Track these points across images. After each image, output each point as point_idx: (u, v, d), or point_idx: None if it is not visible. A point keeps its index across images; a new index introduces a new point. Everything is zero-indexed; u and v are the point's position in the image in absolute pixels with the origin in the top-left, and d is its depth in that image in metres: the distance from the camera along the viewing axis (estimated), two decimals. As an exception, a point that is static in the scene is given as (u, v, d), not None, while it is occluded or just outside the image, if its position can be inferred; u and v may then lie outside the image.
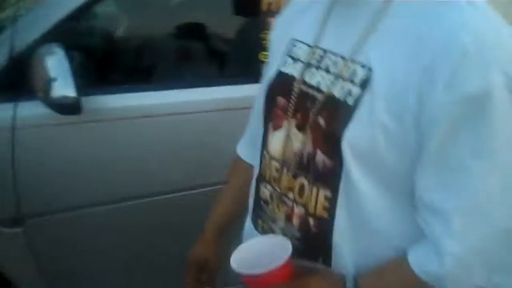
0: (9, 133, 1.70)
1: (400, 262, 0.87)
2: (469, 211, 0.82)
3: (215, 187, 1.73)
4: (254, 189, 1.09)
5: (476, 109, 0.77)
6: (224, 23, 2.39)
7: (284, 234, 0.97)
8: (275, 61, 1.05)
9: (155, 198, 1.91)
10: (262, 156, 1.05)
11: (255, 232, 1.07)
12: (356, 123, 0.84)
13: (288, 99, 0.96)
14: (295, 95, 0.95)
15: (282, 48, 1.03)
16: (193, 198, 1.92)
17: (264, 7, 1.90)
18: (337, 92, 0.88)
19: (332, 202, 0.89)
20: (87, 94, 1.70)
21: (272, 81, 1.02)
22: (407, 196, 0.86)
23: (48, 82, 1.59)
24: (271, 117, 1.01)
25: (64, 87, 1.61)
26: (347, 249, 0.91)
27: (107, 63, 2.09)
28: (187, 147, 1.91)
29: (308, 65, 0.96)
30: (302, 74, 0.96)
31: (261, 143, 1.05)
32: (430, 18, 0.82)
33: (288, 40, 1.03)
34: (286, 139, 0.97)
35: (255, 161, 1.11)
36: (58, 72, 1.61)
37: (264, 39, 1.90)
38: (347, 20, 0.93)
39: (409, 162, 0.83)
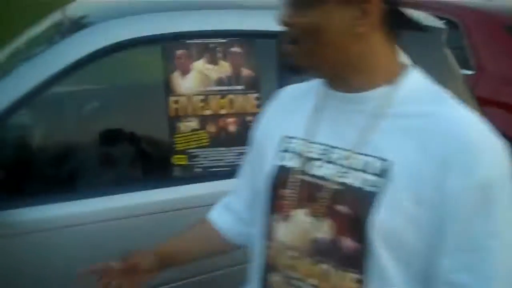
0: None
1: None
2: (493, 284, 0.91)
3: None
4: (259, 279, 1.11)
5: (488, 193, 0.89)
6: (141, 127, 2.40)
7: None
8: (266, 158, 1.10)
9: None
10: (265, 247, 1.08)
11: None
12: (380, 209, 0.92)
13: (296, 190, 1.03)
14: (301, 186, 1.02)
15: (273, 146, 1.09)
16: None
17: (171, 113, 1.96)
18: (353, 181, 0.97)
19: (361, 282, 0.96)
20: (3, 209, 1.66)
21: (272, 176, 1.07)
22: (422, 273, 0.95)
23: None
24: (275, 209, 1.06)
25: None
26: None
27: (23, 174, 2.02)
28: (113, 254, 1.84)
29: (308, 158, 1.03)
30: (304, 166, 1.03)
31: (261, 235, 1.09)
32: (434, 117, 0.94)
33: (279, 138, 1.09)
34: (298, 228, 1.02)
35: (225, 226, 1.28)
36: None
37: (176, 143, 1.95)
38: (343, 115, 1.01)
39: (428, 243, 0.92)
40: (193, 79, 1.97)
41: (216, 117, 1.99)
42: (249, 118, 2.00)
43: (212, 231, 1.30)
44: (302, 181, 1.03)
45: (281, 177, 1.06)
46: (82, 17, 2.21)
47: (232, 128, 2.01)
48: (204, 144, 1.98)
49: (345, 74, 1.00)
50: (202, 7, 2.16)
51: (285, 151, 1.07)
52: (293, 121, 1.09)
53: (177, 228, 1.87)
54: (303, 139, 1.06)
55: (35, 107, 2.05)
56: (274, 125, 1.13)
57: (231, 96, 2.00)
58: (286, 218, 1.04)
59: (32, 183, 2.08)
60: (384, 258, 0.94)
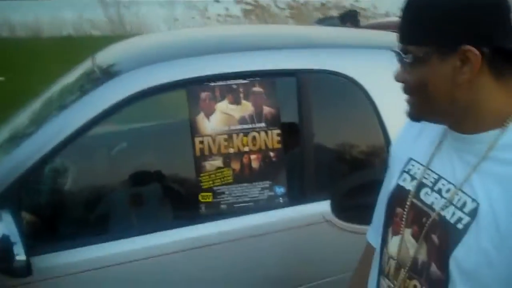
0: None
1: None
2: None
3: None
4: (376, 279, 1.28)
5: None
6: (169, 166, 2.50)
7: None
8: (394, 175, 1.25)
9: None
10: (382, 253, 1.25)
11: None
12: (464, 246, 1.02)
13: (408, 211, 1.16)
14: (411, 208, 1.16)
15: (401, 164, 1.23)
16: None
17: (197, 153, 2.04)
18: (449, 216, 1.07)
19: None
20: (38, 254, 1.72)
21: (392, 193, 1.23)
22: None
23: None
24: (390, 223, 1.22)
25: (14, 250, 1.63)
26: None
27: (58, 218, 2.13)
28: None
29: (422, 184, 1.16)
30: (417, 190, 1.16)
31: (381, 242, 1.26)
32: None
33: (406, 158, 1.23)
34: (403, 244, 1.17)
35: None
36: (6, 236, 1.64)
37: (202, 182, 2.03)
38: (457, 152, 1.11)
39: (503, 284, 0.99)
40: (217, 119, 2.07)
41: (239, 154, 2.07)
42: (271, 153, 2.08)
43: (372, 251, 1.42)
44: (413, 204, 1.16)
45: (399, 196, 1.20)
46: (112, 65, 2.33)
47: (255, 164, 2.09)
48: (228, 181, 2.06)
49: (456, 119, 1.09)
50: (223, 50, 2.27)
51: (407, 172, 1.21)
52: (420, 145, 1.21)
53: (205, 263, 1.96)
54: (423, 165, 1.18)
55: (68, 152, 2.14)
56: (406, 145, 1.26)
57: (253, 133, 2.08)
58: (396, 233, 1.20)
59: (66, 226, 2.17)
60: None
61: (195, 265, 2.01)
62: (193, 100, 2.06)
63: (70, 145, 1.96)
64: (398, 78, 1.11)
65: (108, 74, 2.21)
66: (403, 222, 1.17)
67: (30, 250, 1.68)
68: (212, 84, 2.08)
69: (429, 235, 1.10)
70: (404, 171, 1.22)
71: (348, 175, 2.34)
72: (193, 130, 2.05)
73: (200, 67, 2.12)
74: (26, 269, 1.67)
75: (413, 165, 1.21)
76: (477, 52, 0.99)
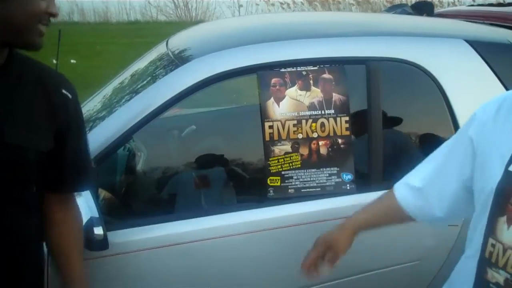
0: None
1: None
2: None
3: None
4: (476, 269, 1.26)
5: None
6: (236, 150, 2.55)
7: None
8: (491, 164, 1.25)
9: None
10: (487, 242, 1.22)
11: None
12: None
13: None
14: None
15: (502, 156, 1.22)
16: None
17: (266, 137, 2.08)
18: None
19: None
20: (114, 229, 1.81)
21: (504, 181, 1.20)
22: None
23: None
24: (503, 212, 1.19)
25: (93, 224, 1.72)
26: None
27: (131, 197, 2.21)
28: (213, 274, 2.00)
29: None
30: None
31: (484, 229, 1.23)
32: None
33: (509, 151, 1.22)
34: None
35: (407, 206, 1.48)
36: (87, 210, 1.73)
37: (270, 165, 2.07)
38: None
39: None
40: (287, 105, 2.09)
41: (308, 140, 2.09)
42: (339, 140, 2.10)
43: (395, 204, 1.52)
44: None
45: None
46: (185, 50, 2.39)
47: (322, 150, 2.10)
48: (296, 166, 2.09)
49: None
50: (294, 36, 2.29)
51: None
52: None
53: (272, 246, 2.00)
54: None
55: (142, 134, 2.21)
56: (504, 137, 1.26)
57: (322, 119, 2.10)
58: None
59: (138, 205, 2.25)
60: None
61: (262, 247, 2.05)
62: (264, 86, 2.09)
63: (144, 128, 2.02)
64: None
65: (181, 59, 2.27)
66: None
67: (107, 226, 1.76)
68: (283, 70, 2.10)
69: None
70: None
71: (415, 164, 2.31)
72: (263, 114, 2.08)
73: (271, 53, 2.15)
74: (103, 243, 1.76)
75: None
76: None
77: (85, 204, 1.74)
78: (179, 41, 2.62)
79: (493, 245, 1.21)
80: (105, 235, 1.74)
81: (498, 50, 2.35)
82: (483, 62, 2.21)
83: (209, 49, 2.21)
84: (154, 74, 2.32)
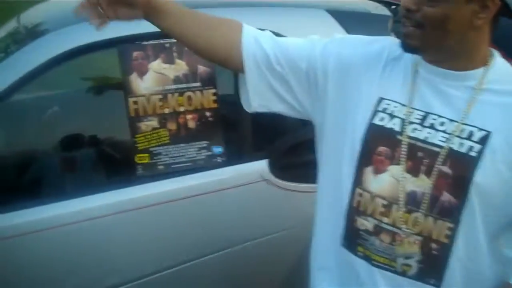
0: None
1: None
2: None
3: None
4: (346, 220, 1.28)
5: None
6: (101, 129, 2.45)
7: (400, 256, 1.23)
8: (354, 108, 1.26)
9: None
10: (356, 193, 1.26)
11: (353, 257, 1.29)
12: (481, 171, 1.14)
13: (394, 149, 1.21)
14: (397, 145, 1.20)
15: (367, 102, 1.25)
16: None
17: (131, 113, 2.01)
18: (456, 147, 1.17)
19: (453, 230, 1.18)
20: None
21: (368, 132, 1.23)
22: (501, 222, 1.20)
23: None
24: (369, 162, 1.24)
25: None
26: (460, 272, 1.21)
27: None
28: (86, 258, 1.93)
29: (408, 122, 1.21)
30: (403, 128, 1.21)
31: (351, 182, 1.26)
32: None
33: (376, 98, 1.24)
34: (392, 181, 1.21)
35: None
36: None
37: (137, 142, 2.00)
38: (443, 88, 1.19)
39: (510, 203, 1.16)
40: (151, 79, 2.02)
41: (175, 114, 2.05)
42: (207, 113, 2.07)
43: (234, 34, 1.33)
44: (400, 141, 1.20)
45: (379, 135, 1.22)
46: (38, 25, 2.23)
47: (191, 124, 2.07)
48: (164, 142, 2.04)
49: (456, 56, 1.18)
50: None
51: (383, 111, 1.23)
52: (390, 85, 1.24)
53: (143, 225, 1.95)
54: (403, 105, 1.22)
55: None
56: (368, 80, 1.26)
57: (189, 93, 2.05)
58: (380, 171, 1.23)
59: None
60: (476, 211, 1.16)
61: (132, 227, 2.00)
62: (125, 60, 2.00)
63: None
64: (410, 5, 1.14)
65: (33, 34, 2.12)
66: (395, 160, 1.21)
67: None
68: (145, 43, 2.02)
69: (435, 168, 1.17)
70: (378, 111, 1.24)
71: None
72: (127, 90, 2.00)
73: (131, 25, 2.05)
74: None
75: (388, 104, 1.24)
76: (497, 3, 1.12)
77: None
78: (31, 15, 2.44)
79: (360, 195, 1.25)
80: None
81: (358, 19, 2.43)
82: (344, 31, 2.27)
83: (64, 22, 2.07)
84: (5, 51, 2.14)
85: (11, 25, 2.46)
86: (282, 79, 1.34)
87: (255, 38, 1.35)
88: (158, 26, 1.33)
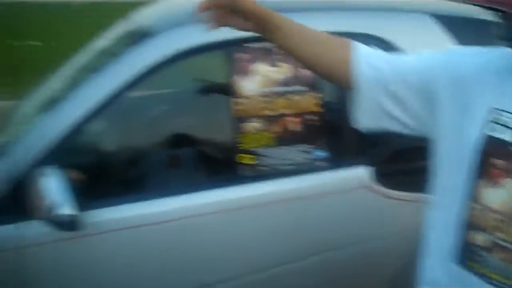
0: (17, 253, 1.80)
1: None
2: None
3: None
4: (457, 235, 1.24)
5: None
6: (205, 129, 2.52)
7: None
8: (468, 118, 1.22)
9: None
10: (469, 207, 1.21)
11: (466, 273, 1.23)
12: None
13: (509, 161, 1.16)
14: None
15: (479, 113, 1.21)
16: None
17: (235, 114, 2.05)
18: None
19: None
20: (85, 209, 1.78)
21: (482, 144, 1.19)
22: None
23: (49, 203, 1.68)
24: (484, 175, 1.19)
25: (64, 206, 1.69)
26: None
27: (102, 177, 2.17)
28: (186, 254, 2.00)
29: None
30: None
31: (464, 195, 1.22)
32: None
33: (487, 108, 1.20)
34: (509, 195, 1.16)
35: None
36: (56, 192, 1.70)
37: (241, 142, 2.05)
38: None
39: None
40: (256, 81, 2.06)
41: (279, 117, 2.07)
42: (311, 117, 2.08)
43: (344, 52, 1.31)
44: None
45: (493, 147, 1.18)
46: (146, 27, 2.32)
47: (294, 127, 2.08)
48: (267, 143, 2.07)
49: None
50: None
51: (497, 122, 1.19)
52: (505, 95, 1.20)
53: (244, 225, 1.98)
54: None
55: (107, 114, 2.15)
56: (481, 91, 1.22)
57: (293, 96, 2.07)
58: (495, 184, 1.18)
59: (108, 184, 2.21)
60: None
61: (229, 227, 2.04)
62: (232, 62, 2.05)
63: (112, 108, 1.99)
64: None
65: (144, 35, 2.20)
66: (505, 173, 1.16)
67: (78, 206, 1.74)
68: (251, 45, 2.06)
69: None
70: (492, 122, 1.20)
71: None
72: (231, 91, 2.05)
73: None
74: (73, 224, 1.73)
75: (502, 115, 1.19)
76: None
77: (54, 184, 1.71)
78: (141, 17, 2.55)
79: (474, 208, 1.21)
80: (75, 216, 1.72)
81: (462, 24, 2.36)
82: (448, 36, 2.22)
83: (173, 24, 2.15)
84: (115, 53, 2.25)
85: (122, 25, 2.58)
86: (394, 98, 1.32)
87: (366, 57, 1.33)
88: (269, 40, 1.35)
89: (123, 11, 2.83)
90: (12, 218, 1.82)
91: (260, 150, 2.07)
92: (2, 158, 1.90)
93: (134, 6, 2.78)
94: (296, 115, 2.08)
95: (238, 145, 2.06)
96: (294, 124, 2.08)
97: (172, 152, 2.45)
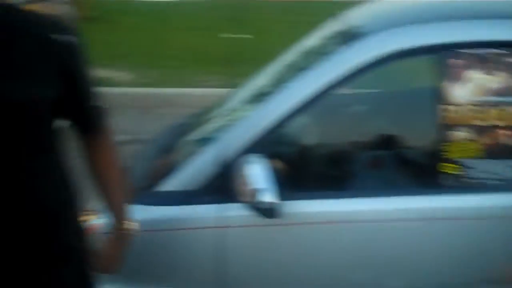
0: (219, 231, 1.95)
1: None
2: None
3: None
4: None
5: None
6: (410, 134, 2.47)
7: None
8: None
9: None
10: None
11: None
12: None
13: None
14: None
15: None
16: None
17: (443, 121, 1.99)
18: None
19: None
20: (285, 199, 1.86)
21: None
22: None
23: (253, 189, 1.79)
24: None
25: (266, 193, 1.79)
26: None
27: (303, 170, 2.25)
28: (382, 254, 2.00)
29: None
30: None
31: None
32: None
33: None
34: None
35: None
36: (260, 179, 1.81)
37: (446, 151, 1.97)
38: None
39: None
40: (468, 89, 1.96)
41: (490, 128, 1.95)
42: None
43: None
44: None
45: None
46: (358, 27, 2.34)
47: (507, 140, 1.95)
48: (475, 154, 1.97)
49: None
50: (477, 16, 2.12)
51: None
52: None
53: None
54: None
55: (313, 110, 2.21)
56: None
57: (508, 107, 1.94)
58: None
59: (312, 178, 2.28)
60: None
61: (424, 236, 1.99)
62: (444, 67, 1.98)
63: (317, 104, 2.04)
64: None
65: (354, 36, 2.22)
66: None
67: (279, 195, 1.82)
68: (466, 51, 1.97)
69: None
70: None
71: None
72: (440, 97, 1.97)
73: (454, 33, 2.02)
74: (273, 212, 1.82)
75: None
76: None
77: (259, 172, 1.82)
78: (352, 17, 2.56)
79: None
80: (275, 204, 1.80)
81: None
82: None
83: (387, 25, 2.14)
84: (324, 52, 2.30)
85: (332, 25, 2.62)
86: None
87: None
88: None
89: (334, 9, 2.88)
90: (218, 199, 1.96)
91: (466, 161, 1.97)
92: (214, 143, 2.06)
93: (344, 6, 2.81)
94: (510, 128, 1.94)
95: (442, 153, 1.98)
96: (506, 138, 1.94)
97: (375, 153, 2.44)
